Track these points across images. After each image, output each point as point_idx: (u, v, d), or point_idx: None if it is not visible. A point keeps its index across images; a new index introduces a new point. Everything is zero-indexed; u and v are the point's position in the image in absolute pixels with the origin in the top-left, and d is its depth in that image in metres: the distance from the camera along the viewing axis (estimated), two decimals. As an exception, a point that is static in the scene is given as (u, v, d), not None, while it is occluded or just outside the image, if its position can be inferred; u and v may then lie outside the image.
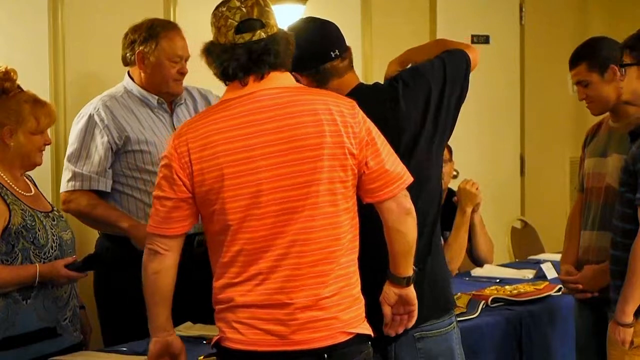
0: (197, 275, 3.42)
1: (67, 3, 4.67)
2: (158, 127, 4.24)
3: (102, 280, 4.24)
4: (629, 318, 3.56)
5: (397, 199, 2.92)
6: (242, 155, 2.82)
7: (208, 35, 2.98)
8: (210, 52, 2.90)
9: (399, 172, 2.92)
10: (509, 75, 7.16)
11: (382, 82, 3.46)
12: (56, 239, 3.68)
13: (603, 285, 4.00)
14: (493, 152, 7.05)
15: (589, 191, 4.15)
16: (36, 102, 3.71)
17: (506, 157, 7.17)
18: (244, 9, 2.88)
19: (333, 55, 3.27)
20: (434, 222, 3.32)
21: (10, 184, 3.66)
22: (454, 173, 5.18)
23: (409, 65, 3.49)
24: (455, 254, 4.87)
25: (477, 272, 5.08)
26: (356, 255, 2.92)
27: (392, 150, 2.95)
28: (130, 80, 4.28)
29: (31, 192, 3.75)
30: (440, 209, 3.38)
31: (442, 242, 3.85)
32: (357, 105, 2.92)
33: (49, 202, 3.86)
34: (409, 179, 2.94)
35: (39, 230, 3.63)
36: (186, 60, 4.24)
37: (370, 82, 3.47)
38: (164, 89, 4.24)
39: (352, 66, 3.34)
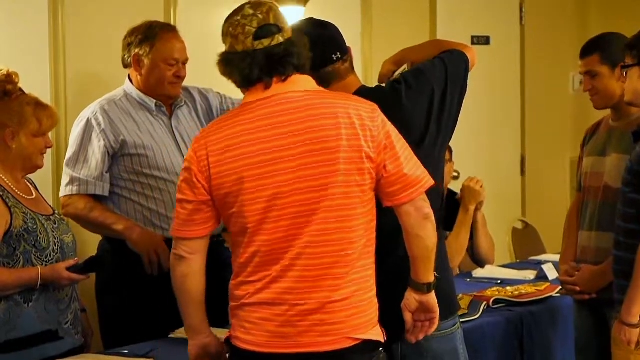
0: (210, 280, 3.43)
1: (67, 4, 4.68)
2: (157, 130, 4.23)
3: (104, 283, 4.24)
4: (635, 319, 3.55)
5: (415, 203, 2.92)
6: (261, 159, 2.83)
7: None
8: (229, 61, 2.91)
9: (418, 175, 2.92)
10: (509, 75, 7.16)
11: (377, 83, 3.46)
12: (57, 242, 3.68)
13: (601, 287, 4.00)
14: (494, 152, 7.05)
15: (587, 190, 4.15)
16: (38, 104, 3.71)
17: (507, 158, 7.18)
18: (260, 16, 2.90)
19: (335, 58, 3.28)
20: (437, 223, 3.31)
21: (12, 187, 3.66)
22: (455, 174, 5.19)
23: (404, 66, 3.48)
24: (455, 252, 4.87)
25: (478, 273, 5.08)
26: (372, 259, 2.92)
27: (412, 155, 2.95)
28: (130, 84, 4.28)
29: (32, 195, 3.74)
30: (442, 210, 3.38)
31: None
32: (378, 109, 2.92)
33: (50, 205, 3.86)
34: (428, 182, 2.94)
35: (41, 233, 3.63)
36: (184, 63, 4.23)
37: (370, 84, 3.47)
38: (159, 92, 4.24)
39: (353, 68, 3.34)
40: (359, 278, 2.87)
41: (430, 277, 3.01)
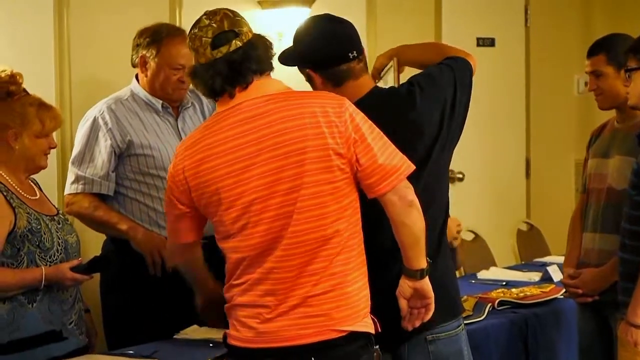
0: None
1: (72, 5, 4.68)
2: (163, 131, 4.24)
3: (109, 283, 4.24)
4: None
5: (397, 191, 2.91)
6: (232, 168, 2.87)
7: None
8: (195, 74, 2.96)
9: (395, 164, 2.91)
10: (514, 77, 7.15)
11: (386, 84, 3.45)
12: (61, 242, 3.68)
13: (603, 289, 4.00)
14: (498, 154, 7.04)
15: (591, 192, 4.15)
16: (41, 105, 3.71)
17: (511, 160, 7.17)
18: (214, 25, 2.93)
19: (351, 57, 3.24)
20: (442, 228, 3.32)
21: (16, 187, 3.66)
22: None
23: (391, 62, 3.45)
24: None
25: (483, 274, 5.08)
26: (356, 252, 2.93)
27: (387, 144, 2.93)
28: (137, 84, 4.28)
29: (36, 195, 3.74)
30: (447, 214, 3.37)
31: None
32: (345, 104, 2.92)
33: (54, 206, 3.85)
34: (407, 169, 2.93)
35: (45, 234, 3.63)
36: None
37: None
38: (163, 95, 4.24)
39: (367, 68, 3.32)
40: (340, 271, 2.89)
41: (423, 263, 3.01)
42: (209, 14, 2.96)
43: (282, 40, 5.38)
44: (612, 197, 4.01)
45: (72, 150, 4.29)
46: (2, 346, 3.54)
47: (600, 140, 4.20)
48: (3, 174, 3.65)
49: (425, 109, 3.23)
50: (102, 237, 4.31)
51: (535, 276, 4.97)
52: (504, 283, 4.81)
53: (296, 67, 3.29)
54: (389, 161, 2.90)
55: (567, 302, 4.38)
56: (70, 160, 4.23)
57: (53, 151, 3.81)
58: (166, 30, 4.25)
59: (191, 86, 4.26)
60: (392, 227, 2.97)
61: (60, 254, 3.66)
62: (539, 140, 7.28)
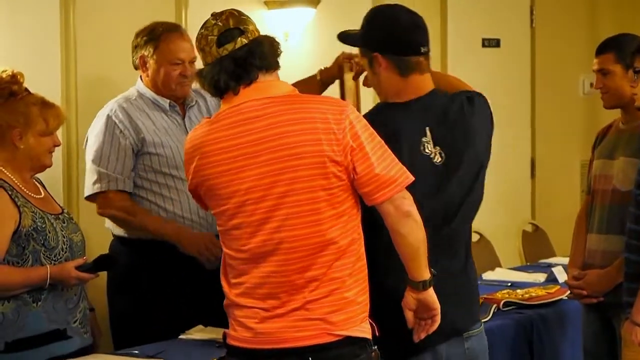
0: (210, 279, 3.44)
1: (78, 5, 4.68)
2: (172, 130, 4.24)
3: (117, 284, 4.24)
4: None
5: (393, 201, 2.91)
6: (227, 167, 2.88)
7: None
8: (202, 74, 2.98)
9: (393, 175, 2.90)
10: (519, 78, 7.15)
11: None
12: (66, 241, 3.68)
13: (607, 290, 4.00)
14: (503, 155, 7.02)
15: (595, 193, 4.15)
16: (44, 104, 3.71)
17: (517, 160, 7.16)
18: (220, 24, 2.94)
19: (422, 51, 3.26)
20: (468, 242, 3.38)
21: (21, 186, 3.66)
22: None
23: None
24: None
25: (488, 275, 5.08)
26: (355, 258, 2.93)
27: (387, 154, 2.93)
28: (142, 84, 4.28)
29: (41, 194, 3.74)
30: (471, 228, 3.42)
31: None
32: (347, 111, 2.91)
33: (59, 204, 3.86)
34: (405, 181, 2.92)
35: (49, 232, 3.63)
36: (191, 62, 4.22)
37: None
38: (167, 92, 4.24)
39: (430, 68, 3.33)
40: (339, 277, 2.89)
41: (425, 275, 3.00)
42: (215, 15, 2.98)
43: (288, 40, 5.39)
44: (617, 198, 4.00)
45: (77, 148, 4.29)
46: (7, 344, 3.54)
47: (606, 142, 4.20)
48: (8, 173, 3.65)
49: (479, 121, 3.29)
50: (107, 236, 4.31)
51: (541, 277, 4.97)
52: (509, 284, 4.80)
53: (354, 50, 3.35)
54: (387, 171, 2.90)
55: (572, 304, 4.38)
56: (90, 160, 4.18)
57: (58, 150, 3.81)
58: (162, 27, 4.25)
59: (194, 85, 4.28)
60: (391, 239, 2.97)
61: (65, 252, 3.66)
62: (544, 141, 7.28)
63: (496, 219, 5.14)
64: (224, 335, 3.01)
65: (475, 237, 6.07)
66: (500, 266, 5.69)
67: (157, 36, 4.20)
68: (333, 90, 3.88)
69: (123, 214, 4.14)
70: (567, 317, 4.41)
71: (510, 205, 6.92)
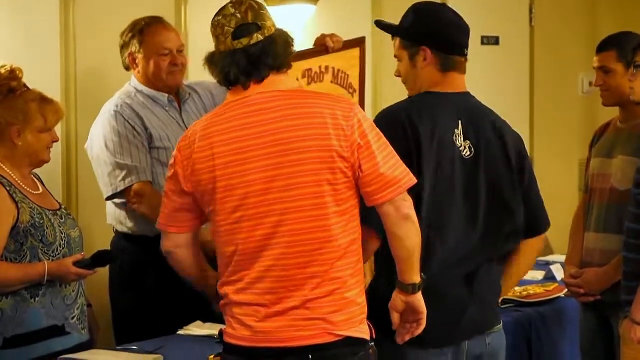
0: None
1: (78, -1, 4.69)
2: (172, 124, 4.25)
3: (119, 280, 4.24)
4: None
5: (394, 202, 2.91)
6: (233, 158, 2.87)
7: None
8: (212, 61, 2.97)
9: (396, 175, 2.91)
10: (518, 76, 7.15)
11: None
12: (64, 236, 3.68)
13: (605, 288, 4.00)
14: (502, 153, 7.03)
15: (593, 192, 4.16)
16: (43, 100, 3.70)
17: (515, 159, 7.15)
18: (238, 15, 2.93)
19: (465, 52, 3.37)
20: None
21: (19, 181, 3.65)
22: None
23: None
24: None
25: (486, 273, 5.07)
26: (356, 258, 2.93)
27: (392, 154, 2.94)
28: (136, 81, 4.28)
29: (39, 190, 3.74)
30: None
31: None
32: (355, 108, 2.93)
33: (57, 200, 3.85)
34: (408, 182, 2.93)
35: (47, 228, 3.62)
36: (179, 51, 4.23)
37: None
38: (159, 83, 4.24)
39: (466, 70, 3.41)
40: (340, 276, 2.89)
41: (415, 278, 3.00)
42: (235, 3, 2.96)
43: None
44: (615, 197, 4.01)
45: (76, 143, 4.28)
46: (6, 340, 3.54)
47: (603, 140, 4.20)
48: (6, 168, 3.65)
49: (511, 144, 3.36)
50: (107, 232, 4.31)
51: (539, 275, 4.97)
52: (507, 281, 4.80)
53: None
54: (391, 172, 2.90)
55: (570, 301, 4.38)
56: (110, 154, 4.13)
57: (57, 145, 3.81)
58: (143, 21, 4.26)
59: (185, 81, 4.28)
60: (387, 239, 2.98)
61: (63, 248, 3.66)
62: (543, 139, 7.27)
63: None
64: (220, 332, 3.01)
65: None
66: (498, 264, 5.68)
67: (141, 29, 4.22)
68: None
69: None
70: (565, 315, 4.42)
71: (508, 204, 6.91)
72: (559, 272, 4.86)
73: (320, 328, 2.87)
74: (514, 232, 3.36)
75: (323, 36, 4.30)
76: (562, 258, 5.07)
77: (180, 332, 3.80)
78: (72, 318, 3.68)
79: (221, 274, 2.98)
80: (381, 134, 2.95)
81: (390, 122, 3.17)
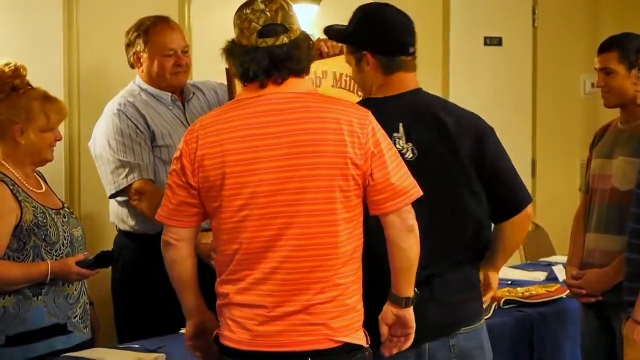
0: (211, 273, 3.42)
1: (81, -3, 4.70)
2: (175, 122, 4.26)
3: (123, 279, 4.24)
4: None
5: (400, 213, 2.90)
6: (245, 156, 2.85)
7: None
8: (232, 52, 2.92)
9: (406, 186, 2.90)
10: (520, 77, 7.15)
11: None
12: (67, 236, 3.68)
13: (606, 289, 4.00)
14: (504, 154, 7.03)
15: (594, 192, 4.15)
16: (46, 98, 3.69)
17: (517, 160, 7.04)
18: (268, 13, 2.89)
19: (410, 51, 3.31)
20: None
21: (22, 180, 3.65)
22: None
23: None
24: None
25: (488, 273, 5.06)
26: (357, 265, 2.93)
27: (402, 165, 2.93)
28: (140, 80, 4.29)
29: (42, 189, 3.74)
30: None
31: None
32: (370, 117, 2.91)
33: (60, 199, 3.85)
34: (415, 194, 2.92)
35: (50, 227, 3.62)
36: (184, 51, 4.23)
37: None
38: (163, 83, 4.25)
39: (416, 67, 3.36)
40: (344, 283, 2.88)
41: (410, 292, 2.99)
42: (265, 0, 2.91)
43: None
44: (616, 197, 4.01)
45: (79, 142, 4.28)
46: (8, 338, 3.55)
47: (604, 141, 4.20)
48: (9, 167, 3.65)
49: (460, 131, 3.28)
50: (109, 230, 4.31)
51: (541, 276, 4.97)
52: (510, 282, 4.81)
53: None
54: (400, 182, 2.89)
55: (572, 302, 4.38)
56: (113, 152, 4.14)
57: (60, 143, 3.80)
58: (149, 20, 4.26)
59: (189, 80, 4.28)
60: (388, 249, 2.95)
61: (66, 247, 3.66)
62: (545, 140, 7.28)
63: (497, 217, 5.15)
64: (216, 336, 2.97)
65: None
66: (500, 264, 5.67)
67: (146, 29, 4.21)
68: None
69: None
70: (567, 316, 4.42)
71: (510, 204, 6.91)
72: (561, 273, 4.85)
73: (321, 334, 2.86)
74: (479, 224, 3.29)
75: (318, 40, 4.29)
76: (564, 259, 5.07)
77: (182, 330, 3.77)
78: (75, 317, 3.69)
79: (220, 273, 2.95)
80: (392, 144, 2.95)
81: None
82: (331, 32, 3.46)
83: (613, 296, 3.93)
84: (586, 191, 4.25)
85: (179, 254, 3.01)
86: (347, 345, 2.89)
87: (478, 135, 3.32)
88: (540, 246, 6.44)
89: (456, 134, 3.25)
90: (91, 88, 4.67)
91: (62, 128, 3.82)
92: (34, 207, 3.61)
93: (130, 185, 4.13)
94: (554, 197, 7.29)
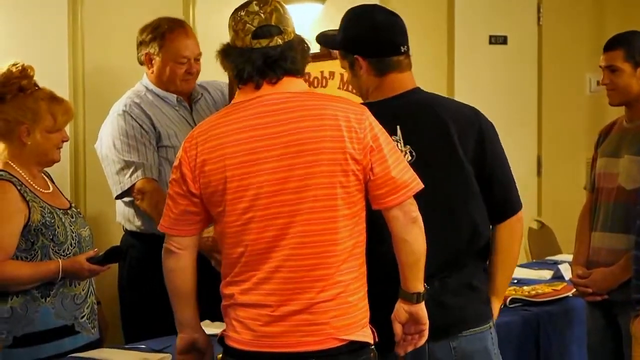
0: (216, 274, 3.43)
1: (86, -2, 4.70)
2: (181, 123, 4.27)
3: (128, 278, 4.25)
4: None
5: (403, 207, 2.90)
6: (246, 158, 2.85)
7: (226, 34, 2.98)
8: (227, 54, 2.93)
9: (406, 180, 2.90)
10: (526, 75, 7.15)
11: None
12: (75, 235, 3.68)
13: (612, 288, 3.99)
14: (509, 152, 6.93)
15: (600, 191, 4.14)
16: (53, 99, 3.70)
17: (523, 158, 7.15)
18: (262, 15, 2.90)
19: (402, 50, 3.27)
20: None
21: (29, 181, 3.66)
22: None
23: None
24: None
25: (494, 272, 5.06)
26: (359, 262, 2.92)
27: (401, 159, 2.94)
28: (148, 80, 4.29)
29: (49, 189, 3.74)
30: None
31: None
32: (366, 113, 2.91)
33: (67, 199, 3.86)
34: (416, 186, 2.92)
35: (58, 227, 3.63)
36: (196, 59, 4.24)
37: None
38: (172, 88, 4.27)
39: (411, 66, 3.33)
40: (344, 280, 2.87)
41: (420, 287, 2.98)
42: (260, 1, 2.92)
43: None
44: (622, 196, 4.00)
45: (84, 143, 4.29)
46: (16, 339, 3.56)
47: (609, 140, 4.19)
48: (17, 167, 3.65)
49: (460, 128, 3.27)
50: (115, 230, 4.32)
51: (547, 274, 4.96)
52: (516, 281, 4.79)
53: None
54: (400, 175, 2.89)
55: (578, 301, 4.38)
56: (117, 152, 4.16)
57: (66, 144, 3.80)
58: (166, 24, 4.26)
59: (197, 80, 4.29)
60: (393, 244, 2.95)
61: (74, 247, 3.67)
62: (551, 138, 7.28)
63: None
64: (221, 337, 2.97)
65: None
66: (506, 263, 5.67)
67: (162, 34, 4.22)
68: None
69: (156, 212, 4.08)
70: (573, 314, 4.41)
71: (516, 203, 6.91)
72: (567, 272, 4.85)
73: (325, 334, 2.86)
74: (477, 225, 3.28)
75: None
76: (570, 258, 5.07)
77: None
78: (82, 317, 3.69)
79: (226, 275, 2.95)
80: (390, 138, 2.95)
81: None
82: (322, 38, 3.45)
83: (619, 295, 3.93)
84: (591, 190, 4.25)
85: (180, 264, 2.99)
86: (352, 343, 2.89)
87: (479, 136, 3.30)
88: (546, 245, 6.45)
89: (456, 134, 3.24)
90: (96, 89, 4.68)
91: (67, 128, 3.82)
92: (41, 207, 3.61)
93: (134, 185, 4.14)
94: (559, 196, 7.29)
